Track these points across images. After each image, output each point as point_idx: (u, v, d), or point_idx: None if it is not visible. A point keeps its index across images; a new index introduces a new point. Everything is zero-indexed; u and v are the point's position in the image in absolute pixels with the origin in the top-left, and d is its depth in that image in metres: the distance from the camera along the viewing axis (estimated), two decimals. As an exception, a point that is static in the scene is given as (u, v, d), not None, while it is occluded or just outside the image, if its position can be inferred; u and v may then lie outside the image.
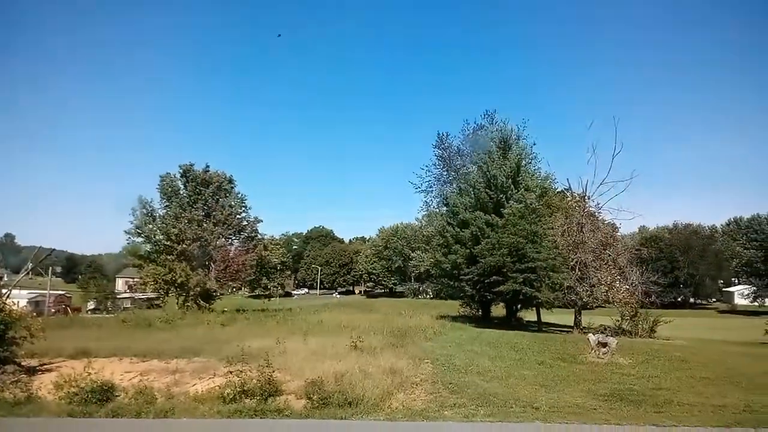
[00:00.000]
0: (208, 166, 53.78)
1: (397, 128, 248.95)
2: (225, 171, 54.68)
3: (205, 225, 50.52)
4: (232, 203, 54.32)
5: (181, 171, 53.17)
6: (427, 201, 66.19)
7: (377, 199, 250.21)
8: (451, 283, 38.70)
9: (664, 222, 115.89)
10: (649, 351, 24.40)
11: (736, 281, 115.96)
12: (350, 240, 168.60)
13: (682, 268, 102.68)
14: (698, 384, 18.06)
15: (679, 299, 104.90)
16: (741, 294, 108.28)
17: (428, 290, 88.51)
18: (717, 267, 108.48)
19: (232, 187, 54.86)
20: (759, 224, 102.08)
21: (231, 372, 15.86)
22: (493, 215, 36.55)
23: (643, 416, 13.97)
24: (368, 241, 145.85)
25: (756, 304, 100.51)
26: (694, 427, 12.98)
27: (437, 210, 59.55)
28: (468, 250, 35.98)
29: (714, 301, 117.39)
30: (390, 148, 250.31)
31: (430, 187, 64.12)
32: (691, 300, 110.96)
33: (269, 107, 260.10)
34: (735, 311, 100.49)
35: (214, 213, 52.09)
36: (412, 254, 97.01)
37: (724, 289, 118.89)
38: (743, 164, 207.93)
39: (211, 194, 52.53)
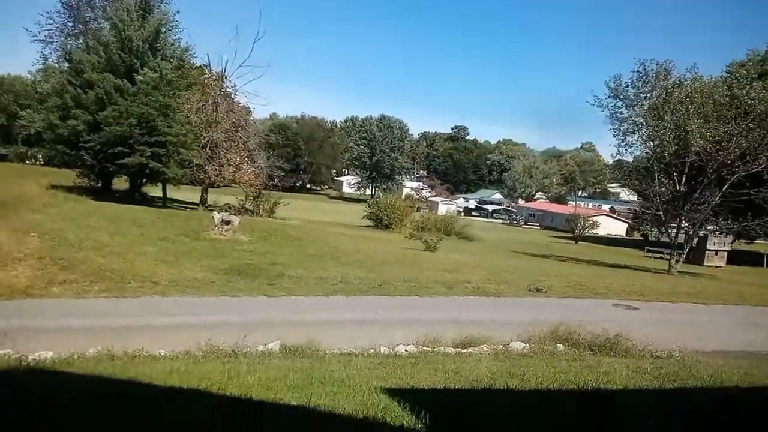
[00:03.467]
0: None
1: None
2: None
3: None
4: None
5: None
6: (46, 53, 56.86)
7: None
8: (68, 150, 34.34)
9: (294, 112, 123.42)
10: (268, 229, 26.21)
11: (346, 171, 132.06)
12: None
13: (303, 156, 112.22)
14: (306, 259, 20.23)
15: (298, 184, 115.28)
16: (349, 183, 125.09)
17: (38, 155, 77.44)
18: (332, 158, 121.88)
19: None
20: (369, 125, 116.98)
21: None
22: (124, 80, 33.18)
23: (258, 288, 15.05)
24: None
25: (359, 192, 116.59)
26: (300, 297, 14.59)
27: (57, 65, 51.59)
28: (91, 116, 32.28)
29: (327, 188, 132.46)
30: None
31: (51, 37, 55.00)
32: (308, 185, 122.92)
33: None
34: (342, 198, 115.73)
35: None
36: (20, 112, 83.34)
37: (336, 178, 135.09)
38: (368, 67, 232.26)
39: None
